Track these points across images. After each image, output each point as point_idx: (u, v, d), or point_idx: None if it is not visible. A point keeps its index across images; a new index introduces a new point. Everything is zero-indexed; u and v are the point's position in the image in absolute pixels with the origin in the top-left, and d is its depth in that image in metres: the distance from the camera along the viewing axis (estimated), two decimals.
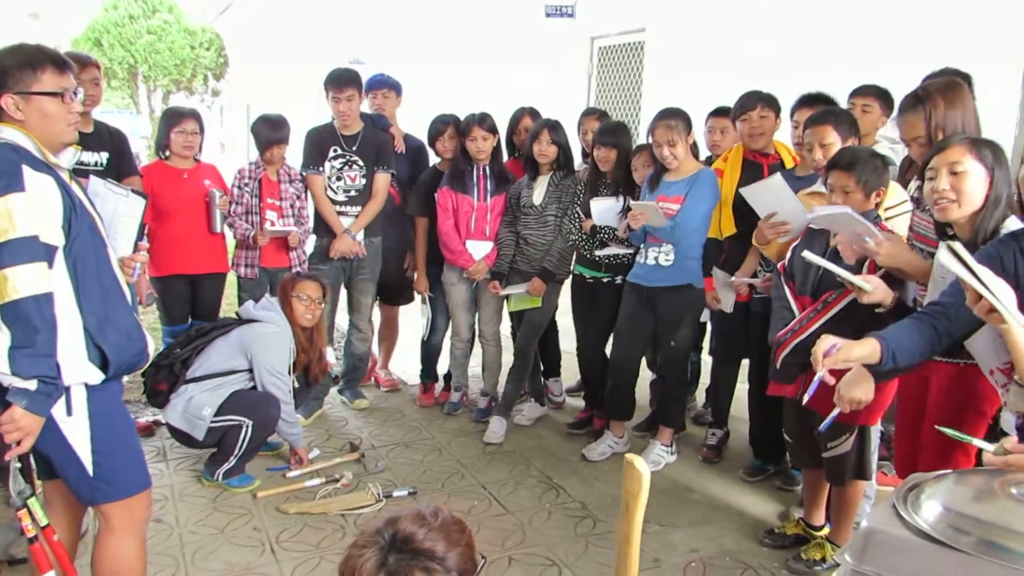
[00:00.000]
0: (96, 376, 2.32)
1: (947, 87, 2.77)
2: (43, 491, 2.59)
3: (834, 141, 3.44)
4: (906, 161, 3.23)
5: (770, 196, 3.52)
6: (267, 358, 3.94)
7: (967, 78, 3.54)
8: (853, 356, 2.25)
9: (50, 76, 2.25)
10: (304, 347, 4.15)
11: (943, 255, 2.02)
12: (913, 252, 2.80)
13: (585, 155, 4.84)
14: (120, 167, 4.19)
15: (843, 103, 3.88)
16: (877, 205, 3.20)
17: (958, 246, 1.99)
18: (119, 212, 2.84)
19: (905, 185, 3.32)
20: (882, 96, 3.83)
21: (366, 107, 5.07)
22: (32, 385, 2.12)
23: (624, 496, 1.94)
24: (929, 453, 2.76)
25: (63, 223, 2.24)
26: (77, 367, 2.27)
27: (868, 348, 2.25)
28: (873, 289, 2.65)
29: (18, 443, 2.18)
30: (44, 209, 2.19)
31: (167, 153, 4.50)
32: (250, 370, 3.96)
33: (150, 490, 2.57)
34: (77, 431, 2.31)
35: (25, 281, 2.11)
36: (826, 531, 3.45)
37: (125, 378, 2.56)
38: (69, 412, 2.29)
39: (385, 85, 5.14)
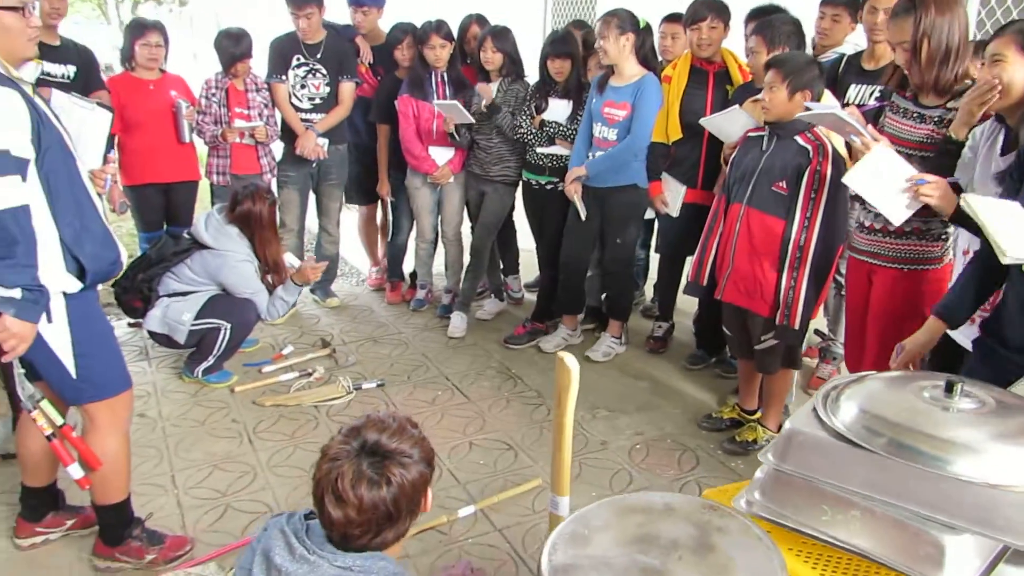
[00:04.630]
0: (74, 285, 2.27)
1: None
2: None
3: (761, 50, 3.41)
4: (890, 67, 3.09)
5: (728, 124, 3.47)
6: (239, 283, 3.83)
7: None
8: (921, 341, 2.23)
9: None
10: (264, 262, 3.97)
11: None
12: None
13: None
14: (87, 82, 4.05)
15: (800, 14, 3.72)
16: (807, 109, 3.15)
17: None
18: (86, 125, 2.69)
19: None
20: (851, 5, 3.70)
21: (348, 20, 4.82)
22: (16, 294, 2.06)
23: (556, 389, 1.96)
24: (872, 350, 2.77)
25: (32, 136, 2.12)
26: (56, 277, 2.21)
27: (930, 334, 2.22)
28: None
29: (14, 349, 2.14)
30: (12, 123, 2.07)
31: (132, 65, 4.29)
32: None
33: (132, 390, 2.54)
34: (58, 337, 2.27)
35: (1, 194, 2.02)
36: (759, 415, 3.53)
37: (100, 287, 2.50)
38: (49, 319, 2.22)
39: (366, 2, 4.76)
